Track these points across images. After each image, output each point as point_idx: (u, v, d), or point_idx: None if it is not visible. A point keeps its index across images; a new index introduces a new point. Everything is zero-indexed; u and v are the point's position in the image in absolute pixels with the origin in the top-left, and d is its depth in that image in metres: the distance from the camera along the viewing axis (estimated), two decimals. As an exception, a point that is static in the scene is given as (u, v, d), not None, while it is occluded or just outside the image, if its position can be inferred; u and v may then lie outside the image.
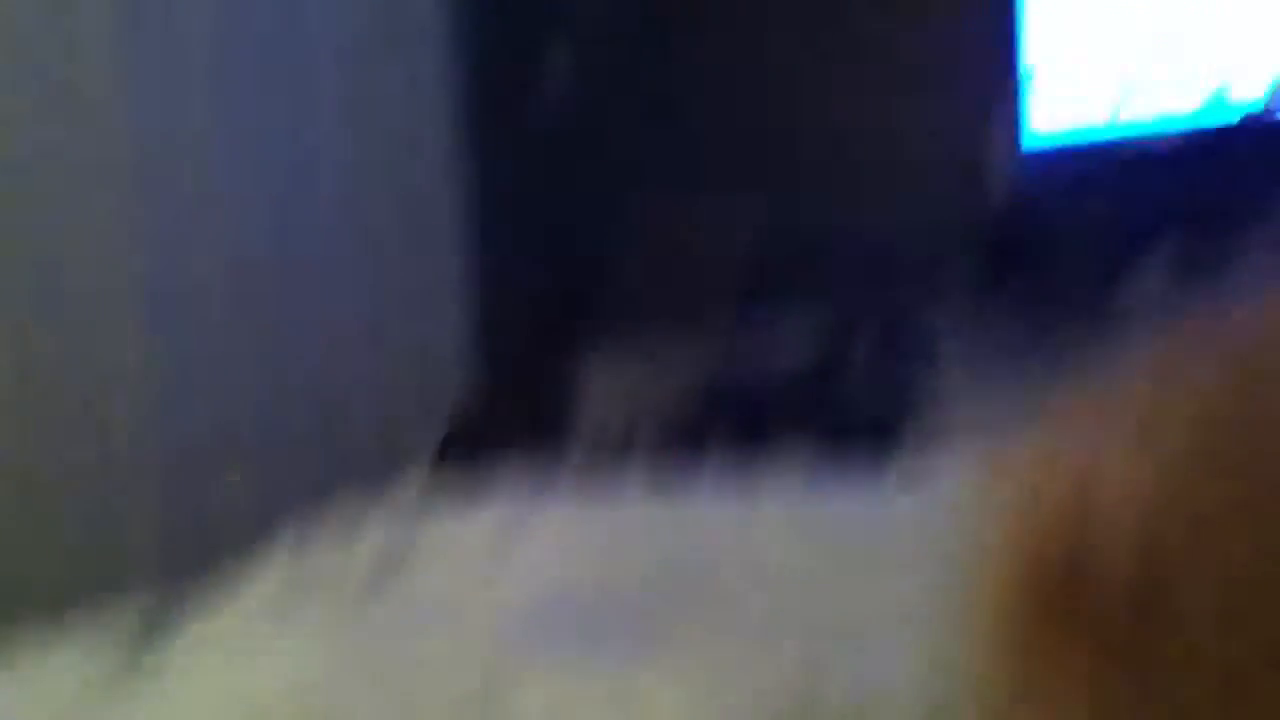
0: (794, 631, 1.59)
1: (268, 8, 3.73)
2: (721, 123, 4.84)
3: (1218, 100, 3.97)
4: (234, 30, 3.66)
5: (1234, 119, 3.95)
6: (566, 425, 4.44)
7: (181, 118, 3.56)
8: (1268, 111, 3.90)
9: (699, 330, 4.51)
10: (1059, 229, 3.92)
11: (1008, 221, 4.06)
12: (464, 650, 1.48)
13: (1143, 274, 3.66)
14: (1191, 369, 0.72)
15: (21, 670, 1.53)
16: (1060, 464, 0.78)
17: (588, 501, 2.21)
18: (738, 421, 4.19)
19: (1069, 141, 4.10)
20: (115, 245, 3.49)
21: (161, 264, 3.54)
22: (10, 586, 3.13)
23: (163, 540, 3.37)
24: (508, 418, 2.97)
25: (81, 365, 3.47)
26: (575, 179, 4.87)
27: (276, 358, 3.71)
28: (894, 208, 4.47)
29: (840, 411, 4.08)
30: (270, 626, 1.58)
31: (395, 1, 3.99)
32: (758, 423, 4.18)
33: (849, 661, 1.54)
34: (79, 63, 3.38)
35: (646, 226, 5.08)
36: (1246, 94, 3.94)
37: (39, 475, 3.39)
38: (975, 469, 0.92)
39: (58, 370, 3.46)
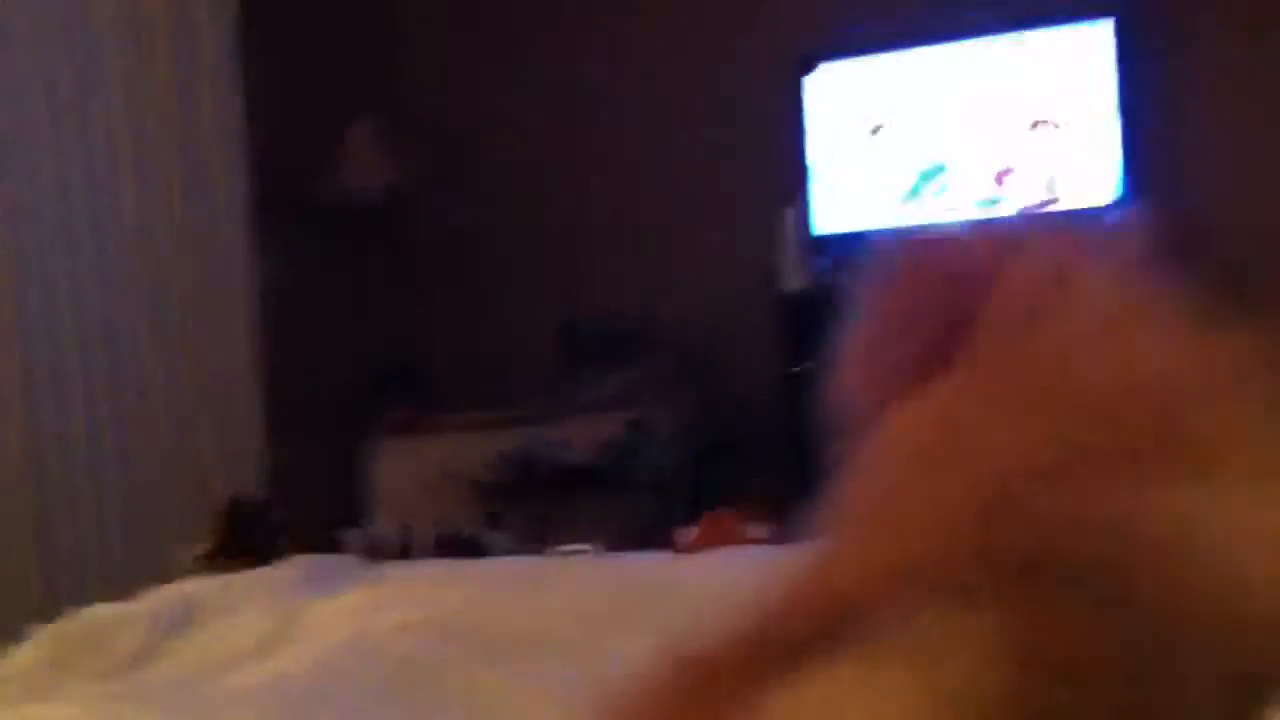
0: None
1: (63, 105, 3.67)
2: (532, 217, 4.90)
3: (994, 201, 4.18)
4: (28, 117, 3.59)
5: (1010, 213, 4.16)
6: (360, 505, 4.39)
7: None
8: (1041, 205, 4.11)
9: (503, 410, 4.54)
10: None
11: (799, 307, 4.18)
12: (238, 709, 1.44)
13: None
14: None
15: None
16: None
17: (379, 574, 2.18)
18: (537, 491, 4.21)
19: (853, 237, 4.26)
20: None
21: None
22: None
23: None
24: (299, 497, 2.91)
25: None
26: (376, 270, 4.87)
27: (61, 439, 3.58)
28: (694, 298, 4.58)
29: (633, 486, 4.13)
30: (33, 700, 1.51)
31: (188, 98, 3.95)
32: (556, 492, 4.20)
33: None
34: None
35: (452, 315, 5.10)
36: (1022, 195, 4.16)
37: None
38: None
39: None
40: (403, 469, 4.46)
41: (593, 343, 4.65)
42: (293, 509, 2.52)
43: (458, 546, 2.36)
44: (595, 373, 4.59)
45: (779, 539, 2.34)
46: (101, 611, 1.79)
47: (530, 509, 4.18)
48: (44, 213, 3.58)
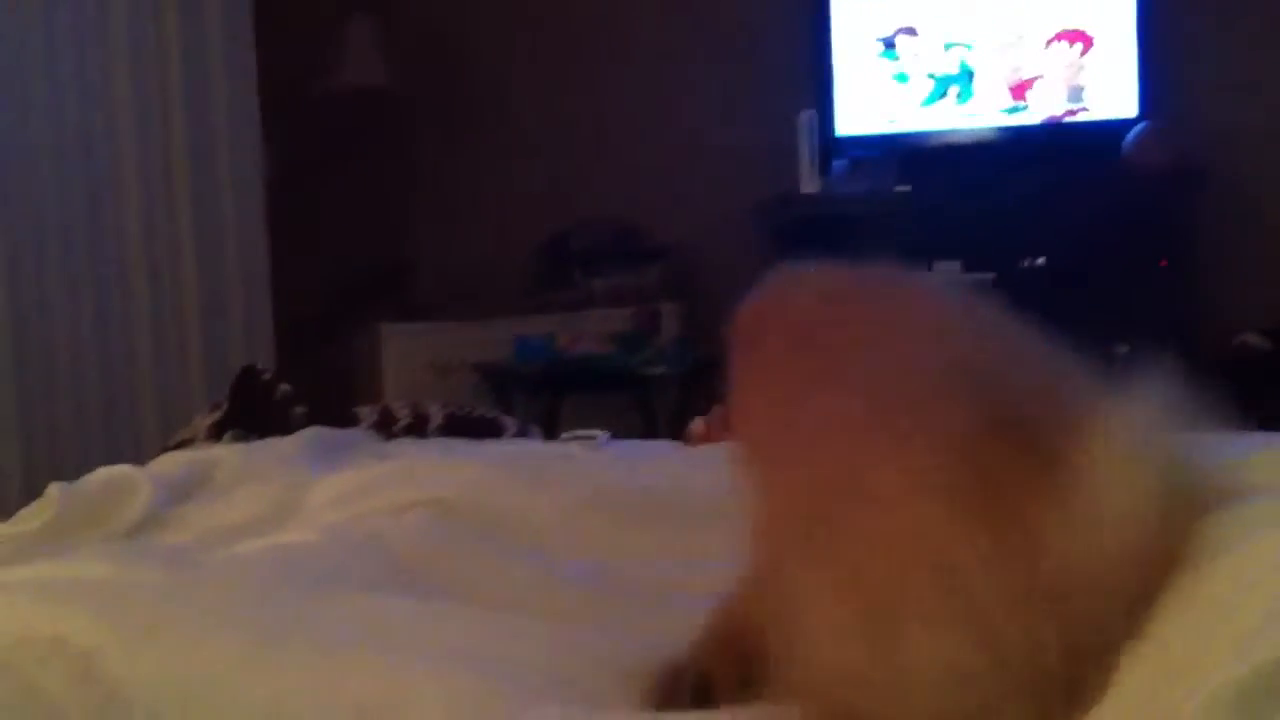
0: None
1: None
2: (532, 122, 4.85)
3: (1015, 109, 4.14)
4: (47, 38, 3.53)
5: (1034, 122, 4.12)
6: (359, 391, 4.40)
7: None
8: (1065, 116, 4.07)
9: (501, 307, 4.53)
10: (863, 217, 4.03)
11: (816, 209, 4.15)
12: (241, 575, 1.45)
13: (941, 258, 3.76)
14: None
15: None
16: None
17: (389, 451, 2.19)
18: (546, 381, 4.22)
19: (874, 140, 4.22)
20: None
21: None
22: None
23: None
24: (309, 382, 2.91)
25: None
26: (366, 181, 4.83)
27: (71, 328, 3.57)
28: (709, 200, 4.54)
29: (643, 379, 4.14)
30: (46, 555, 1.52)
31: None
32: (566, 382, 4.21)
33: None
34: None
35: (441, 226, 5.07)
36: (1043, 105, 4.11)
37: None
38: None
39: None
40: (408, 355, 4.46)
41: (595, 247, 4.63)
42: (303, 389, 2.52)
43: (471, 425, 2.36)
44: (599, 276, 4.58)
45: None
46: (110, 474, 1.79)
47: (540, 398, 4.19)
48: (44, 115, 3.53)
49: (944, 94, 4.19)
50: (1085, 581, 0.85)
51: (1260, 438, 1.67)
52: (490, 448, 2.26)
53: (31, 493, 1.85)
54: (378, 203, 4.79)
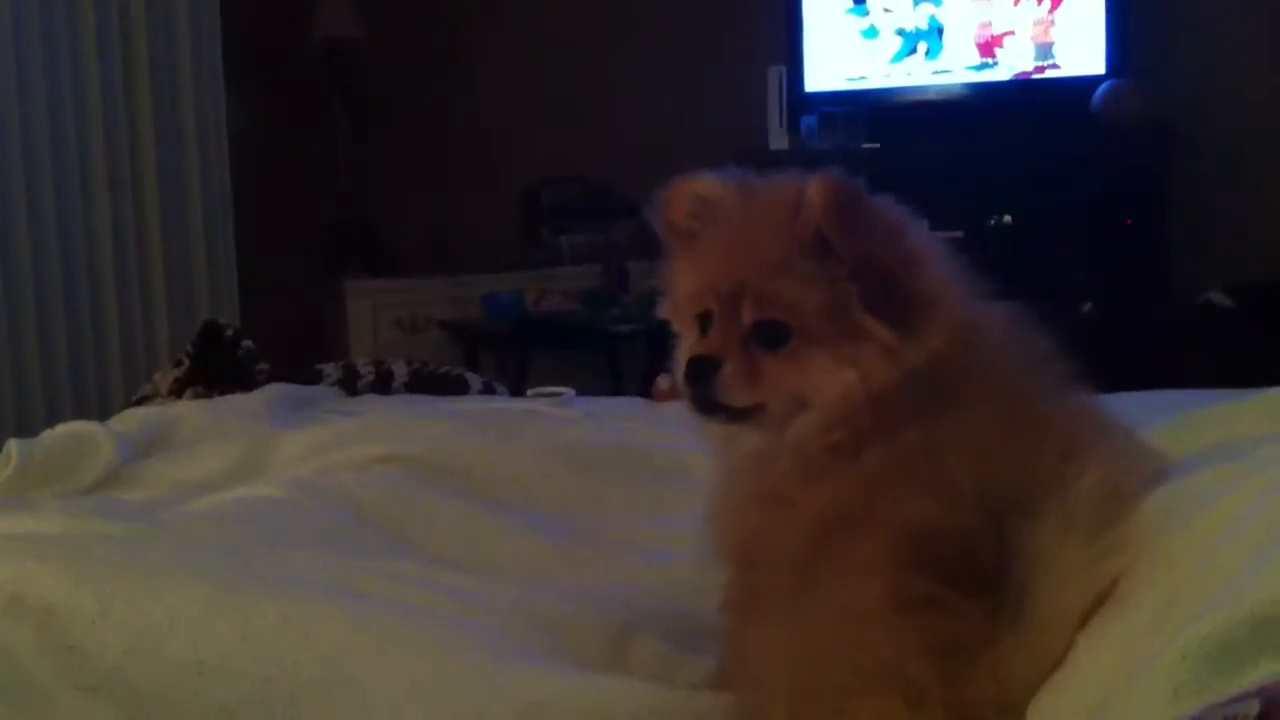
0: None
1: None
2: (502, 78, 4.80)
3: (987, 64, 4.13)
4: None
5: (1003, 78, 4.11)
6: (324, 348, 4.38)
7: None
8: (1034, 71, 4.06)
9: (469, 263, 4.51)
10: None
11: (785, 166, 4.13)
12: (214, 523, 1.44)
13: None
14: None
15: None
16: None
17: (353, 407, 2.17)
18: (513, 338, 4.20)
19: (843, 97, 4.20)
20: None
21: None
22: None
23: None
24: (273, 337, 2.89)
25: None
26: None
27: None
28: (675, 159, 4.51)
29: (610, 335, 4.14)
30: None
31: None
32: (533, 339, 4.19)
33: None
34: None
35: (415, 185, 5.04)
36: (1011, 62, 4.10)
37: None
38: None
39: None
40: (375, 312, 4.45)
41: (564, 204, 4.61)
42: (267, 348, 2.50)
43: (436, 382, 2.34)
44: (568, 233, 4.57)
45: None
46: (71, 430, 1.78)
47: (508, 355, 4.18)
48: (2, 65, 3.47)
49: (913, 50, 4.18)
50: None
51: (1222, 395, 1.68)
52: (456, 404, 2.25)
53: (-5, 449, 1.83)
54: (347, 158, 4.75)
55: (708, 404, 1.09)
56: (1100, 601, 0.88)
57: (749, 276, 1.08)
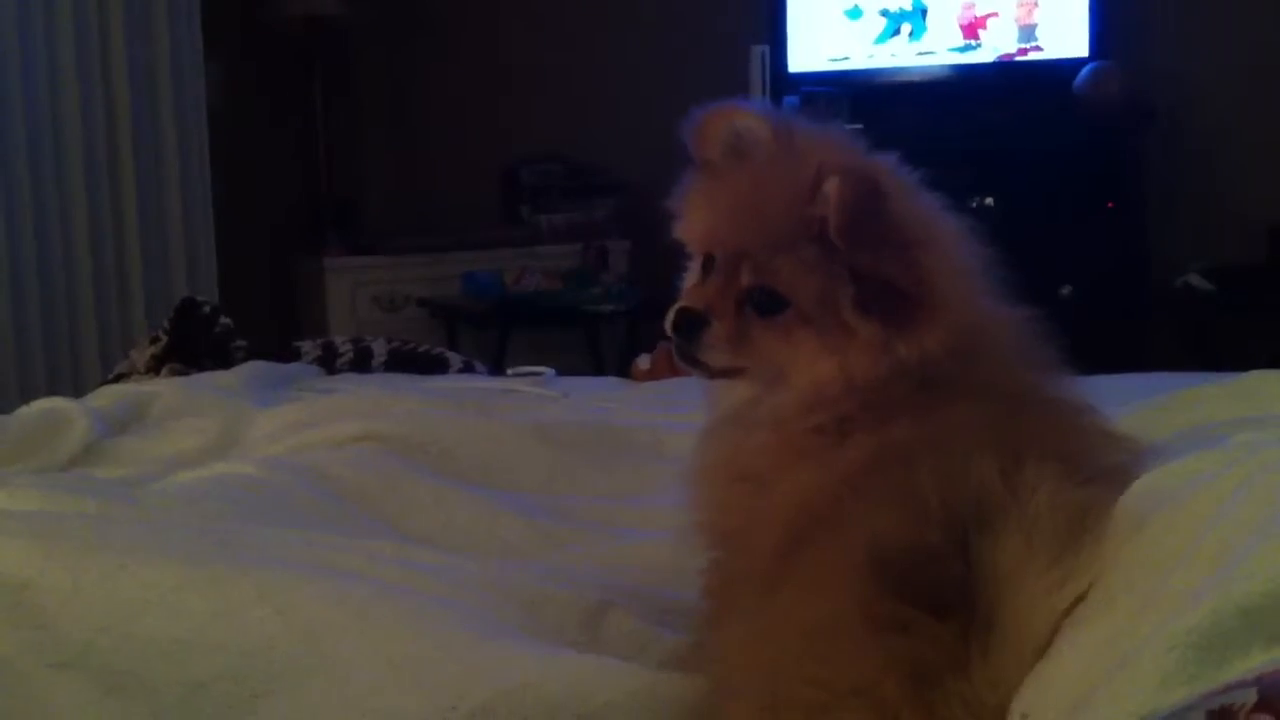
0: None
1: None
2: (481, 55, 4.77)
3: (970, 45, 4.12)
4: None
5: (986, 60, 4.11)
6: (303, 326, 4.37)
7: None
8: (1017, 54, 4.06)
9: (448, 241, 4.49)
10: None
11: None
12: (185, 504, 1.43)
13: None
14: None
15: None
16: None
17: (330, 385, 2.16)
18: (492, 317, 4.19)
19: (826, 77, 4.19)
20: None
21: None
22: None
23: None
24: (252, 315, 2.88)
25: None
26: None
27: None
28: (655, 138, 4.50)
29: (590, 315, 4.13)
30: None
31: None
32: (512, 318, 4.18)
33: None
34: None
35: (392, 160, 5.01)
36: (995, 43, 4.10)
37: None
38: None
39: None
40: (354, 289, 4.43)
41: (545, 183, 4.60)
42: (245, 325, 2.48)
43: (415, 360, 2.33)
44: (548, 212, 4.56)
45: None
46: (46, 406, 1.76)
47: (487, 334, 4.17)
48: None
49: (896, 31, 4.17)
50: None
51: (1200, 377, 1.69)
52: (435, 383, 2.24)
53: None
54: (325, 134, 4.72)
55: (690, 358, 1.09)
56: (1069, 613, 0.87)
57: (753, 245, 1.06)
